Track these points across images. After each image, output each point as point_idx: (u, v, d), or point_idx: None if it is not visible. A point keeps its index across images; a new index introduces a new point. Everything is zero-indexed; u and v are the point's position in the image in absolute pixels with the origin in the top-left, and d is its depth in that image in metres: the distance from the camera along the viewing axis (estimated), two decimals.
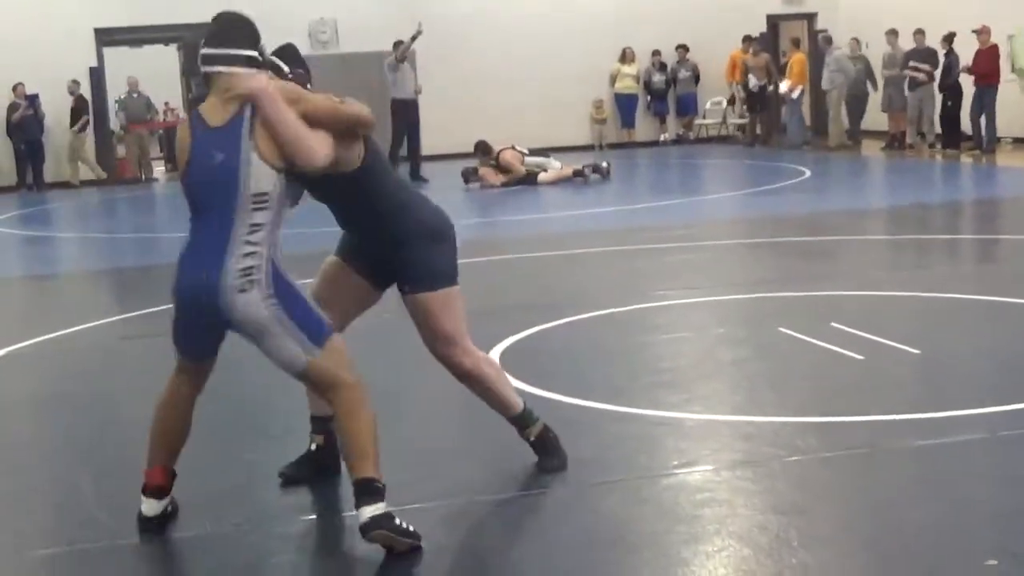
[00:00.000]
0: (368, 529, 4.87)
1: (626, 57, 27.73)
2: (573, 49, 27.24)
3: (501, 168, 20.31)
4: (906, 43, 23.90)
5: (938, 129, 23.43)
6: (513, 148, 20.61)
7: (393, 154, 21.54)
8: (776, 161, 22.87)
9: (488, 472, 6.12)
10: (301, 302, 5.13)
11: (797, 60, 25.46)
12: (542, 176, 20.22)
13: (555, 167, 20.55)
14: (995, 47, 22.12)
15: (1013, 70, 22.37)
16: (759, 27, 27.97)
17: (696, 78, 27.88)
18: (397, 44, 22.15)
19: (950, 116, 22.94)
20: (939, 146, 23.13)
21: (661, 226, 14.34)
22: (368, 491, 4.91)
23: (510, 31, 27.21)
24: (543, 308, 9.70)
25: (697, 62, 27.79)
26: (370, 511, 4.87)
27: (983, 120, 22.30)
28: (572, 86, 27.39)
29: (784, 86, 25.18)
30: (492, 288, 11.20)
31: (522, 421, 5.89)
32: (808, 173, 20.05)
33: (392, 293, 5.87)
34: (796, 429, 6.40)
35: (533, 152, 21.02)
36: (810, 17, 28.95)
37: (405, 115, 22.07)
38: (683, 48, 27.76)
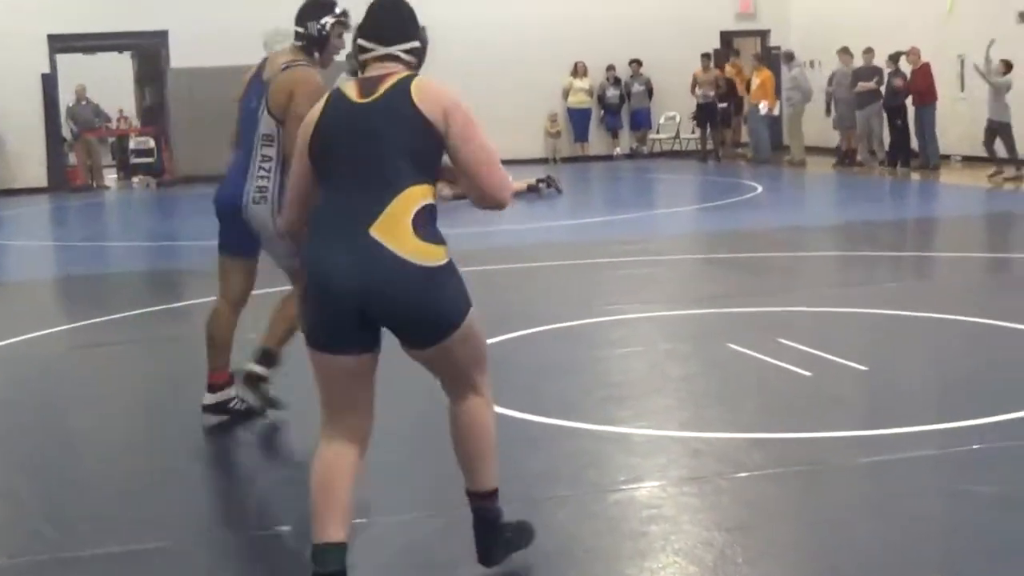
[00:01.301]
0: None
1: (578, 71, 27.81)
2: (526, 63, 27.28)
3: (450, 181, 20.26)
4: (858, 61, 24.11)
5: (887, 146, 23.64)
6: None
7: None
8: (729, 176, 23.01)
9: (438, 488, 6.11)
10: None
11: (766, 76, 25.58)
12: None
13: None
14: (927, 65, 22.34)
15: (963, 90, 22.56)
16: (712, 43, 28.13)
17: (649, 93, 27.99)
18: (350, 56, 21.91)
19: (898, 134, 23.16)
20: (888, 163, 23.31)
21: (613, 240, 14.38)
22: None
23: (463, 45, 27.17)
24: (495, 322, 9.66)
25: (651, 77, 27.89)
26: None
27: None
28: (526, 100, 27.42)
29: (763, 107, 25.27)
30: None
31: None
32: (760, 189, 20.17)
33: None
34: (743, 445, 6.43)
35: None
36: (763, 34, 29.13)
37: None
38: (637, 63, 27.87)
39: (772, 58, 27.74)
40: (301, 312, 4.63)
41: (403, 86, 4.57)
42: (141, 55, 27.96)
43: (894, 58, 23.12)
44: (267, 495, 5.94)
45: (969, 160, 22.75)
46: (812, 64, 26.61)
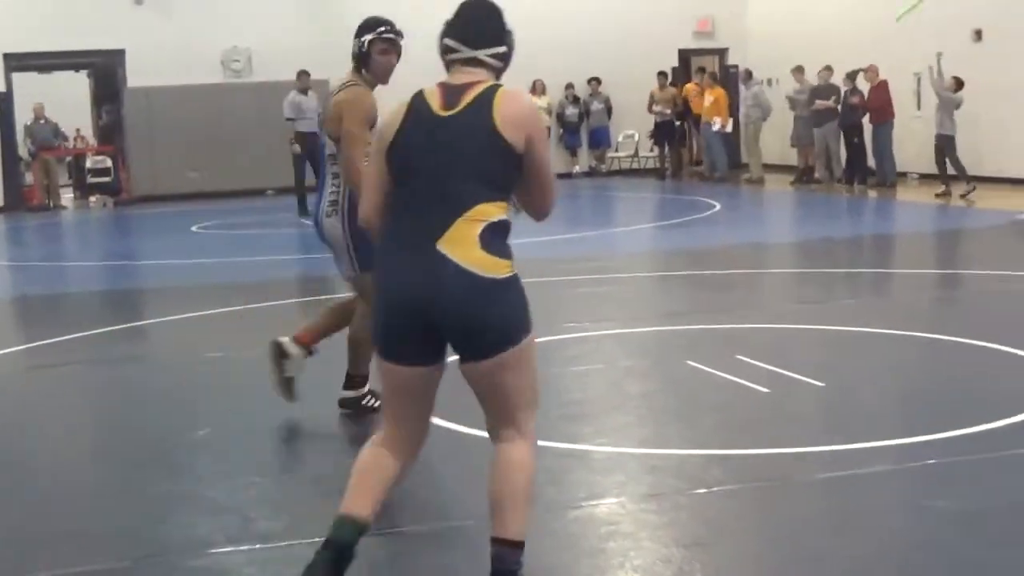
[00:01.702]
0: None
1: (537, 89, 27.84)
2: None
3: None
4: (814, 79, 24.27)
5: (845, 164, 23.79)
6: None
7: (300, 187, 21.49)
8: (687, 194, 23.09)
9: (395, 504, 6.10)
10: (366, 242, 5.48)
11: (719, 94, 25.71)
12: None
13: None
14: (884, 83, 22.52)
15: (919, 107, 22.72)
16: (671, 61, 28.27)
17: (608, 111, 28.08)
18: (302, 74, 21.83)
19: (855, 151, 23.32)
20: (846, 181, 23.46)
21: (572, 258, 14.40)
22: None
23: (421, 64, 27.11)
24: None
25: (609, 95, 27.98)
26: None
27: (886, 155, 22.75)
28: None
29: (717, 123, 25.39)
30: None
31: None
32: (718, 206, 20.24)
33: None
34: (702, 462, 6.45)
35: None
36: (721, 52, 29.28)
37: (307, 147, 21.67)
38: (595, 81, 27.96)
39: (731, 76, 27.90)
40: (372, 324, 4.69)
41: (486, 99, 4.59)
42: (98, 74, 27.85)
43: (851, 76, 23.30)
44: (226, 515, 5.91)
45: (926, 177, 22.91)
46: (770, 82, 26.79)
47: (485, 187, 4.49)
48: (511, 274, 4.54)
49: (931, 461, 6.26)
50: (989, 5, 22.35)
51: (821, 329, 9.79)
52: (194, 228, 20.02)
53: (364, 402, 7.58)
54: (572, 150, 28.53)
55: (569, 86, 28.06)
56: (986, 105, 21.64)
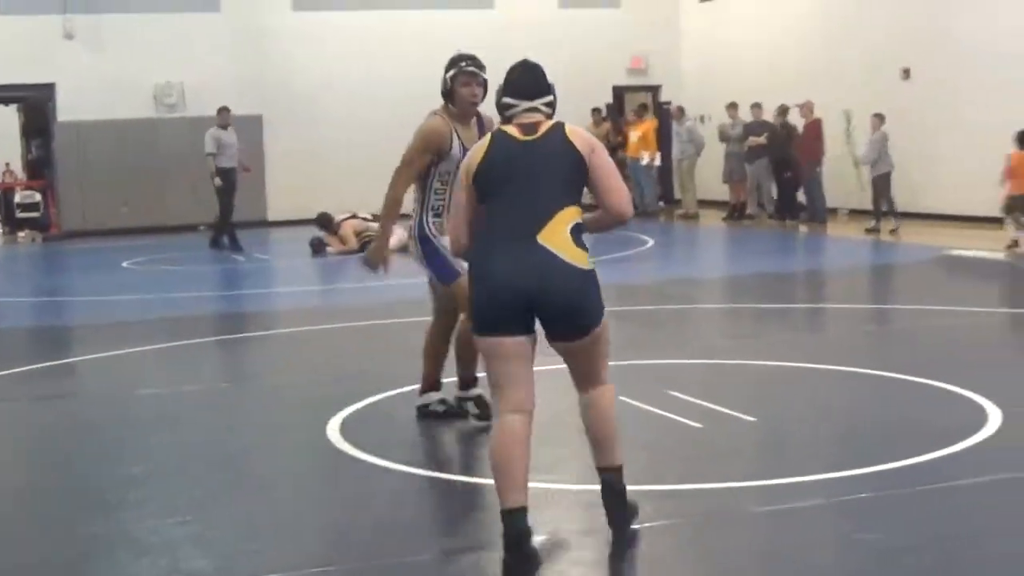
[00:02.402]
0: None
1: None
2: (420, 116, 27.12)
3: (346, 243, 20.26)
4: (747, 116, 24.50)
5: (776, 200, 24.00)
6: (355, 217, 20.57)
7: (226, 223, 21.46)
8: (620, 229, 23.11)
9: (335, 541, 6.07)
10: (439, 256, 7.54)
11: (646, 128, 25.85)
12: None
13: (398, 234, 20.54)
14: (818, 121, 22.76)
15: (848, 143, 22.97)
16: (606, 97, 28.41)
17: None
18: (222, 110, 21.81)
19: (786, 187, 23.53)
20: (777, 217, 23.65)
21: None
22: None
23: (357, 96, 27.23)
24: (384, 377, 9.67)
25: None
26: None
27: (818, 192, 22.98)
28: None
29: (645, 158, 25.52)
30: (336, 356, 11.16)
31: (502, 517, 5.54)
32: (651, 242, 20.33)
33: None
34: (635, 497, 6.44)
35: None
36: (655, 89, 29.46)
37: (228, 183, 21.65)
38: None
39: (664, 112, 28.09)
40: (474, 309, 5.58)
41: (559, 129, 5.67)
42: (27, 108, 27.60)
43: (782, 111, 23.53)
44: (155, 554, 5.84)
45: (855, 213, 23.14)
46: (703, 119, 26.99)
47: (566, 194, 5.54)
48: (593, 267, 5.59)
49: (861, 495, 6.30)
50: (917, 44, 22.65)
51: (753, 364, 9.84)
52: (125, 264, 19.86)
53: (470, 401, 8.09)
54: None
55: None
56: (914, 142, 21.90)
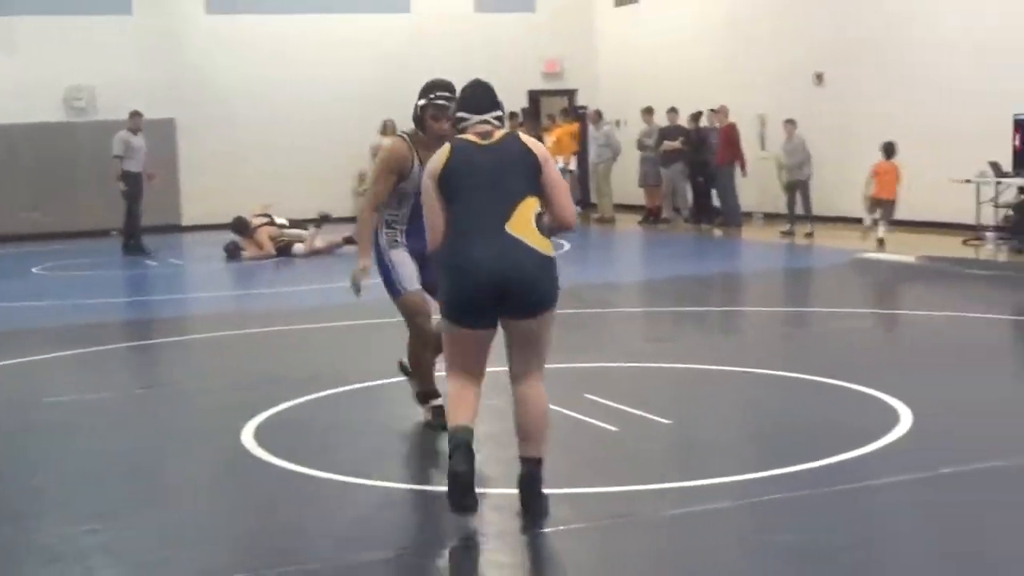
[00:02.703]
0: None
1: (388, 128, 27.81)
2: (335, 120, 27.26)
3: (263, 247, 20.16)
4: (662, 120, 24.63)
5: (691, 203, 24.15)
6: (271, 222, 20.48)
7: (135, 226, 21.32)
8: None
9: (248, 548, 6.01)
10: (386, 270, 7.81)
11: (561, 133, 25.90)
12: (297, 248, 20.13)
13: (324, 237, 20.57)
14: (733, 126, 22.94)
15: (763, 148, 23.18)
16: (521, 102, 28.42)
17: None
18: (134, 114, 21.64)
19: (701, 191, 23.68)
20: (693, 221, 23.80)
21: None
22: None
23: (273, 100, 27.08)
24: (299, 382, 9.62)
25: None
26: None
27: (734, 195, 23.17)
28: (334, 158, 27.38)
29: (561, 161, 25.59)
30: (249, 361, 11.09)
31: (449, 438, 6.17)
32: (568, 246, 20.35)
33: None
34: (550, 500, 6.45)
35: (296, 224, 20.90)
36: (570, 93, 29.54)
37: (134, 187, 21.49)
38: None
39: (580, 117, 28.17)
40: (447, 300, 6.13)
41: (514, 135, 6.33)
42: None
43: (695, 117, 23.69)
44: (65, 564, 5.77)
45: (770, 217, 23.33)
46: (619, 123, 27.10)
47: (526, 185, 6.10)
48: (554, 254, 6.16)
49: (773, 497, 6.34)
50: (830, 50, 22.87)
51: (669, 367, 9.88)
52: (35, 270, 19.60)
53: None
54: None
55: None
56: (827, 147, 22.10)
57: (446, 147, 6.24)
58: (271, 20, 27.21)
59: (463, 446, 5.98)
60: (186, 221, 26.59)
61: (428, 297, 7.80)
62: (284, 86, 27.12)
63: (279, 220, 20.72)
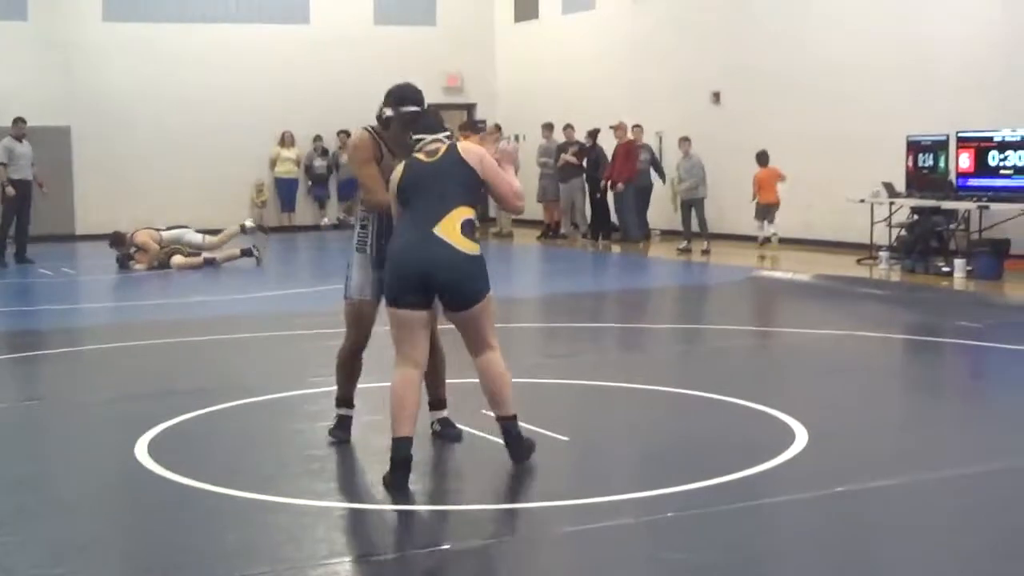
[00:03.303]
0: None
1: (285, 141, 27.70)
2: (234, 130, 27.07)
3: (148, 251, 19.93)
4: (560, 136, 24.73)
5: (590, 219, 24.25)
6: (148, 228, 20.30)
7: (3, 234, 21.01)
8: None
9: (139, 564, 5.92)
10: (347, 271, 7.91)
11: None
12: (175, 260, 19.84)
13: (195, 239, 20.28)
14: (631, 142, 23.09)
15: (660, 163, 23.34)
16: None
17: None
18: (17, 120, 21.33)
19: (599, 207, 23.80)
20: (591, 236, 23.90)
21: (319, 311, 14.24)
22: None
23: (169, 108, 26.84)
24: (196, 394, 9.51)
25: None
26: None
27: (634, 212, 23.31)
28: (232, 168, 27.20)
29: None
30: (143, 373, 10.93)
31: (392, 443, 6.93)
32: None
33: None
34: (446, 518, 6.43)
35: (173, 228, 20.64)
36: (470, 108, 29.56)
37: (20, 195, 21.18)
38: (345, 133, 27.89)
39: (479, 131, 28.14)
40: (385, 285, 7.19)
41: (453, 148, 7.32)
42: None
43: (592, 133, 23.82)
44: None
45: (668, 234, 23.51)
46: (518, 138, 27.17)
47: (460, 197, 7.12)
48: (479, 253, 7.11)
49: (670, 514, 6.36)
50: (726, 69, 23.10)
51: (566, 383, 9.90)
52: None
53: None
54: (320, 202, 28.42)
55: (317, 138, 27.98)
56: (725, 165, 22.33)
57: (402, 164, 7.30)
58: (169, 28, 26.97)
59: (403, 463, 6.85)
60: (80, 230, 26.23)
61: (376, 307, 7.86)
62: (181, 95, 26.88)
63: (155, 227, 20.51)
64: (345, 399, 8.11)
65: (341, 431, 8.08)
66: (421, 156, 7.27)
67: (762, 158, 21.01)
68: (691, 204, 21.83)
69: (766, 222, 21.18)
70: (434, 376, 8.06)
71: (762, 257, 20.34)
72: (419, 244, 7.00)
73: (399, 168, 7.29)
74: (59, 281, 19.10)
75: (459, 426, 8.09)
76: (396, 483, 6.78)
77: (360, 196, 8.03)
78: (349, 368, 8.07)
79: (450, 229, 7.03)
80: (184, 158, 26.90)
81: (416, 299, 7.00)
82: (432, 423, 8.17)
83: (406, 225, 7.13)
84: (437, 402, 8.21)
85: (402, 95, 7.88)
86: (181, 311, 15.16)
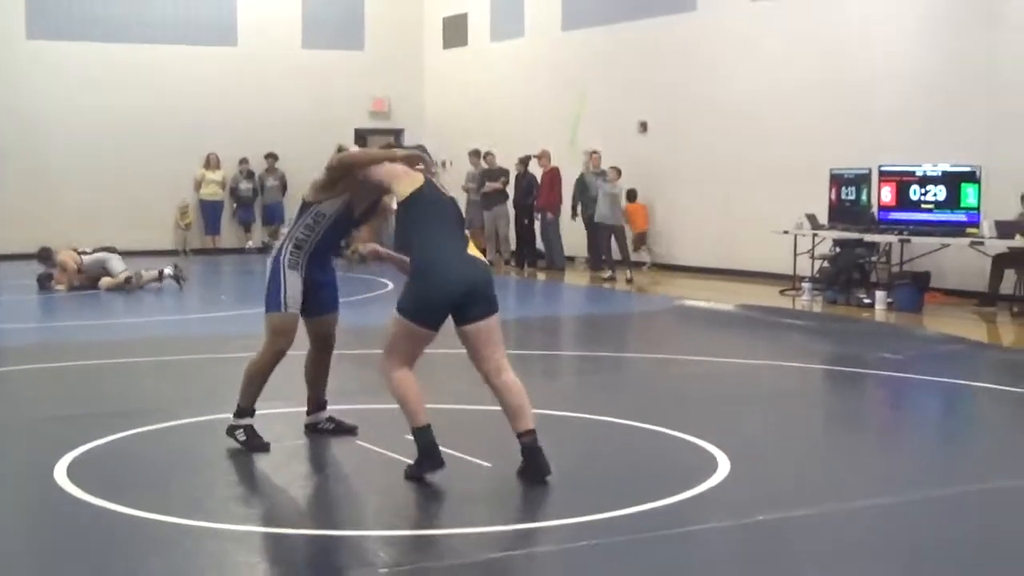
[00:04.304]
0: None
1: (211, 163, 27.57)
2: (158, 150, 26.95)
3: (67, 270, 19.71)
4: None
5: (514, 246, 24.32)
6: (72, 250, 20.04)
7: None
8: (361, 273, 23.10)
9: None
10: (276, 285, 8.28)
11: None
12: (103, 281, 19.62)
13: (117, 267, 19.92)
14: (556, 170, 23.22)
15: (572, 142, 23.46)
16: (348, 140, 28.35)
17: (284, 187, 27.95)
18: None
19: (525, 234, 23.87)
20: (516, 263, 23.96)
21: (243, 335, 14.14)
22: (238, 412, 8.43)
23: (94, 128, 26.66)
24: (120, 416, 9.42)
25: (285, 171, 27.86)
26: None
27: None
28: (156, 189, 27.07)
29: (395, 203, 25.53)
30: (68, 394, 10.83)
31: (415, 435, 7.51)
32: (391, 285, 20.29)
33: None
34: (374, 543, 6.40)
35: (99, 249, 20.30)
36: (397, 133, 29.57)
37: None
38: (272, 156, 27.86)
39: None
40: (417, 306, 7.51)
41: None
42: None
43: (523, 161, 23.90)
44: None
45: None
46: (445, 164, 27.20)
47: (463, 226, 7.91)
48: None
49: (592, 542, 6.37)
50: (653, 98, 23.27)
51: (488, 410, 9.87)
52: None
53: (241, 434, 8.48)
54: (246, 225, 28.29)
55: (243, 161, 27.87)
56: (653, 194, 22.49)
57: (419, 178, 7.78)
58: (94, 48, 26.81)
59: (433, 444, 7.43)
60: (1, 249, 25.93)
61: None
62: (106, 114, 26.71)
63: (81, 248, 20.22)
64: (251, 410, 8.46)
65: (259, 442, 8.39)
66: (436, 184, 7.88)
67: (631, 195, 22.64)
68: (611, 232, 21.98)
69: (644, 250, 22.86)
70: (320, 378, 8.84)
71: (629, 280, 20.64)
72: (462, 260, 7.54)
73: (418, 178, 7.78)
74: None
75: (383, 450, 8.07)
76: (433, 466, 7.37)
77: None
78: (266, 377, 8.47)
79: (474, 248, 7.72)
80: (109, 178, 26.71)
81: (442, 318, 7.52)
82: (319, 423, 8.88)
83: (444, 248, 7.56)
84: (320, 404, 8.89)
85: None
86: (102, 332, 15.01)
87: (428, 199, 7.68)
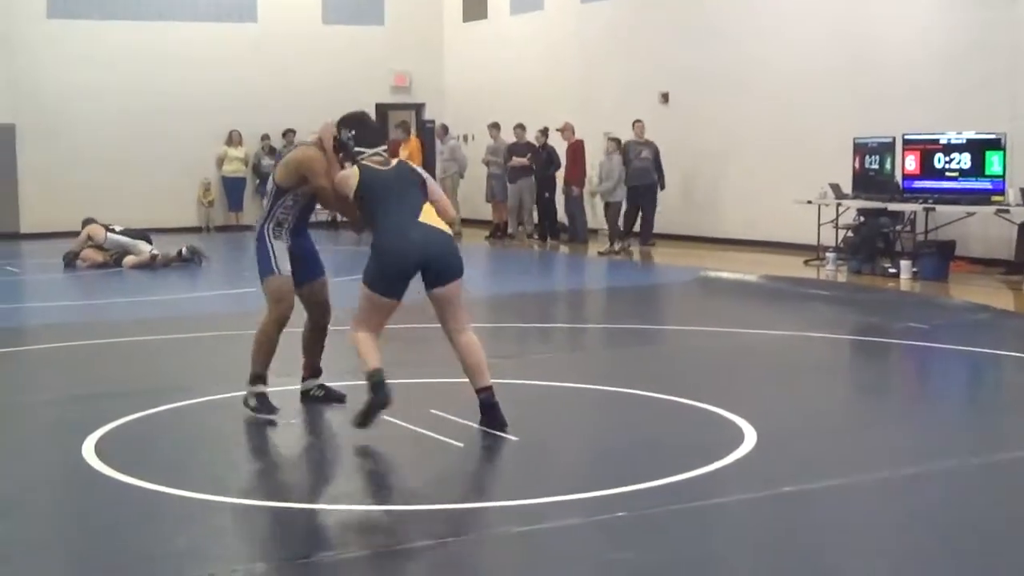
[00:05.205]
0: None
1: (233, 140, 27.58)
2: (181, 129, 26.95)
3: (100, 247, 19.77)
4: (509, 136, 24.73)
5: (537, 220, 24.30)
6: (102, 226, 20.04)
7: None
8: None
9: (87, 564, 5.88)
10: (265, 253, 8.63)
11: (412, 147, 25.82)
12: (127, 260, 19.65)
13: (143, 251, 19.91)
14: (579, 143, 23.16)
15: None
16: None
17: None
18: None
19: (547, 208, 23.84)
20: (539, 237, 23.94)
21: (249, 312, 14.15)
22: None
23: (116, 106, 26.67)
24: (146, 393, 9.45)
25: None
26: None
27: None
28: (179, 168, 27.07)
29: None
30: (89, 373, 10.86)
31: (368, 378, 7.91)
32: None
33: None
34: (399, 517, 6.41)
35: (129, 232, 20.29)
36: (418, 107, 29.54)
37: None
38: (292, 132, 27.83)
39: (427, 131, 28.17)
40: (377, 276, 8.05)
41: (401, 162, 8.52)
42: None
43: (543, 133, 23.84)
44: None
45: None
46: (466, 138, 27.18)
47: (422, 196, 8.19)
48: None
49: (619, 514, 6.37)
50: (674, 70, 23.19)
51: (515, 383, 9.88)
52: None
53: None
54: None
55: (265, 137, 27.87)
56: (672, 165, 22.40)
57: (355, 170, 8.19)
58: (115, 26, 26.80)
59: (383, 382, 7.82)
60: (25, 228, 26.03)
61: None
62: (128, 93, 26.71)
63: (112, 226, 20.25)
64: (263, 376, 8.63)
65: (269, 407, 8.60)
66: (373, 164, 8.23)
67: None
68: (609, 205, 21.98)
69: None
70: (315, 345, 9.04)
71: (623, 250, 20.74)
72: (412, 230, 7.94)
73: (353, 174, 8.19)
74: (3, 280, 18.95)
75: (410, 424, 8.08)
76: (381, 403, 7.78)
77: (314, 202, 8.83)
78: (274, 343, 8.64)
79: (429, 215, 8.07)
80: (131, 156, 26.75)
81: (403, 287, 8.00)
82: (311, 390, 9.08)
83: (391, 221, 8.00)
84: (315, 370, 9.09)
85: (376, 138, 8.52)
86: (127, 311, 15.06)
87: (368, 184, 8.13)
